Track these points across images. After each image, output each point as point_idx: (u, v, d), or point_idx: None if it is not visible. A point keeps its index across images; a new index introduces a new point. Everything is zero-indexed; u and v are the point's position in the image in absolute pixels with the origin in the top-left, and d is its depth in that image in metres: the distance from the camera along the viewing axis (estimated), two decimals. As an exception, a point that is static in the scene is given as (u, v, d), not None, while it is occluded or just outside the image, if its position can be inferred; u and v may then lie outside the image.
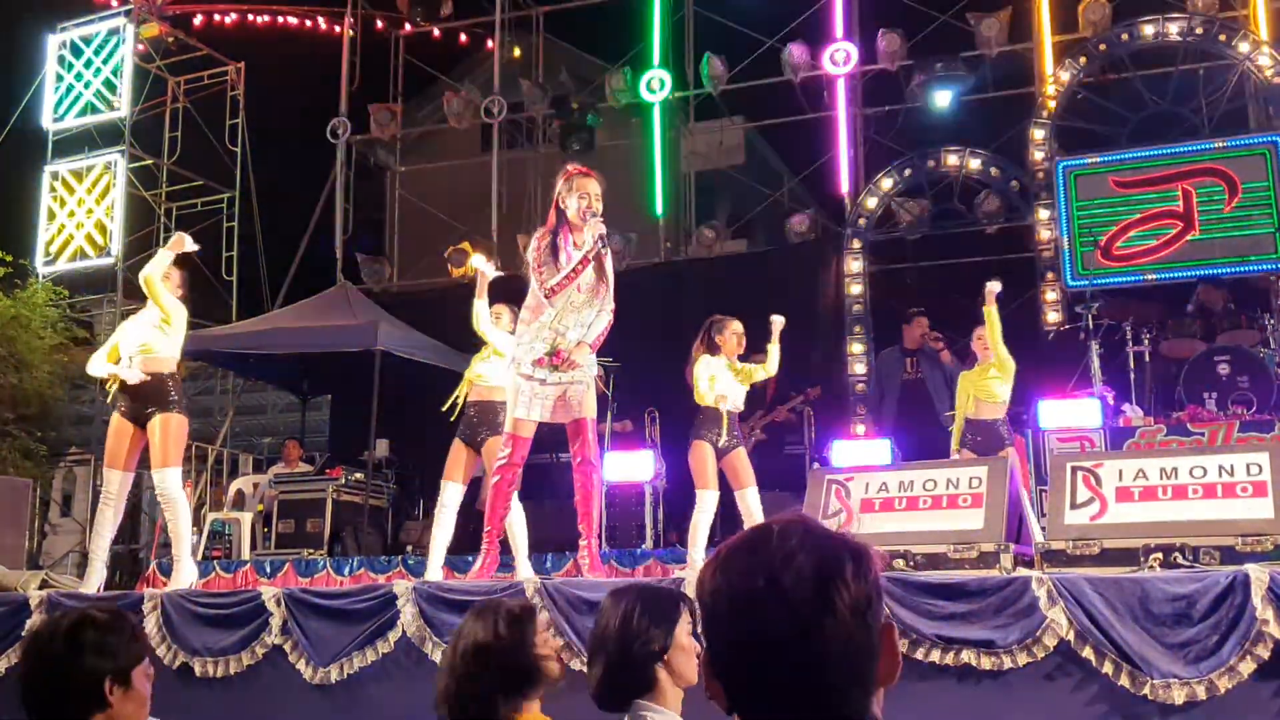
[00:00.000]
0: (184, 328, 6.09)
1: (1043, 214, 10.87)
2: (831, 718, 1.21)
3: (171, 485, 5.93)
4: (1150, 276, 10.22)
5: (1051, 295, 10.76)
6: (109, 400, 6.18)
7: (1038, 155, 11.03)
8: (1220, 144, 10.40)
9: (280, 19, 14.73)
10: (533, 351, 5.34)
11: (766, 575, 1.21)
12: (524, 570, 6.15)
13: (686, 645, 2.69)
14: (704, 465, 6.44)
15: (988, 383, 7.13)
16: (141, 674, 2.42)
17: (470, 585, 5.28)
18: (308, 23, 14.62)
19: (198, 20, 15.04)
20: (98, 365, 6.13)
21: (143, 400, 5.94)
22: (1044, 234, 10.86)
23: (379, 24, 14.50)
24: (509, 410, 5.50)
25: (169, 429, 5.91)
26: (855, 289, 11.45)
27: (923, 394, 9.45)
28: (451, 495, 6.38)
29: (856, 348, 11.26)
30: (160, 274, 5.89)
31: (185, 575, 6.05)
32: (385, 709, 5.02)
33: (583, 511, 5.50)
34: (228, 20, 14.90)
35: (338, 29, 14.27)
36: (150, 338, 5.97)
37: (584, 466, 5.48)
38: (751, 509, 6.45)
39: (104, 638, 2.36)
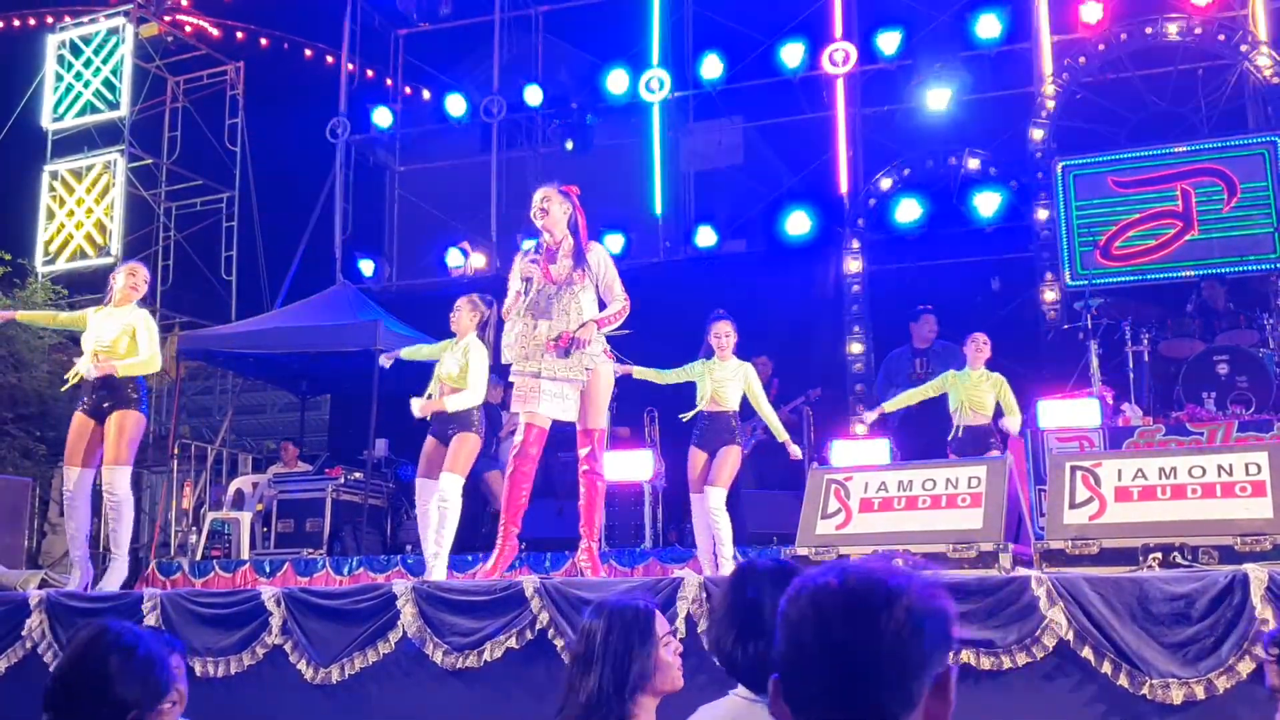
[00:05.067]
0: (150, 331, 6.05)
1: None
2: None
3: (120, 485, 5.91)
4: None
5: (1051, 295, 10.76)
6: (64, 389, 6.19)
7: (1037, 155, 11.03)
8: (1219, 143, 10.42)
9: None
10: (521, 349, 5.56)
11: None
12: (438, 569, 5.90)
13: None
14: None
15: (979, 392, 7.25)
16: None
17: (470, 585, 5.28)
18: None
19: (188, 1, 14.99)
20: (36, 314, 6.35)
21: (103, 397, 5.95)
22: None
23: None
24: (521, 404, 5.58)
25: (125, 426, 5.89)
26: (855, 289, 11.44)
27: None
28: (426, 493, 6.21)
29: (856, 348, 11.25)
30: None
31: (117, 576, 6.04)
32: (386, 709, 5.03)
33: (585, 518, 5.56)
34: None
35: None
36: (116, 337, 5.98)
37: (588, 475, 5.61)
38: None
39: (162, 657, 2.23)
